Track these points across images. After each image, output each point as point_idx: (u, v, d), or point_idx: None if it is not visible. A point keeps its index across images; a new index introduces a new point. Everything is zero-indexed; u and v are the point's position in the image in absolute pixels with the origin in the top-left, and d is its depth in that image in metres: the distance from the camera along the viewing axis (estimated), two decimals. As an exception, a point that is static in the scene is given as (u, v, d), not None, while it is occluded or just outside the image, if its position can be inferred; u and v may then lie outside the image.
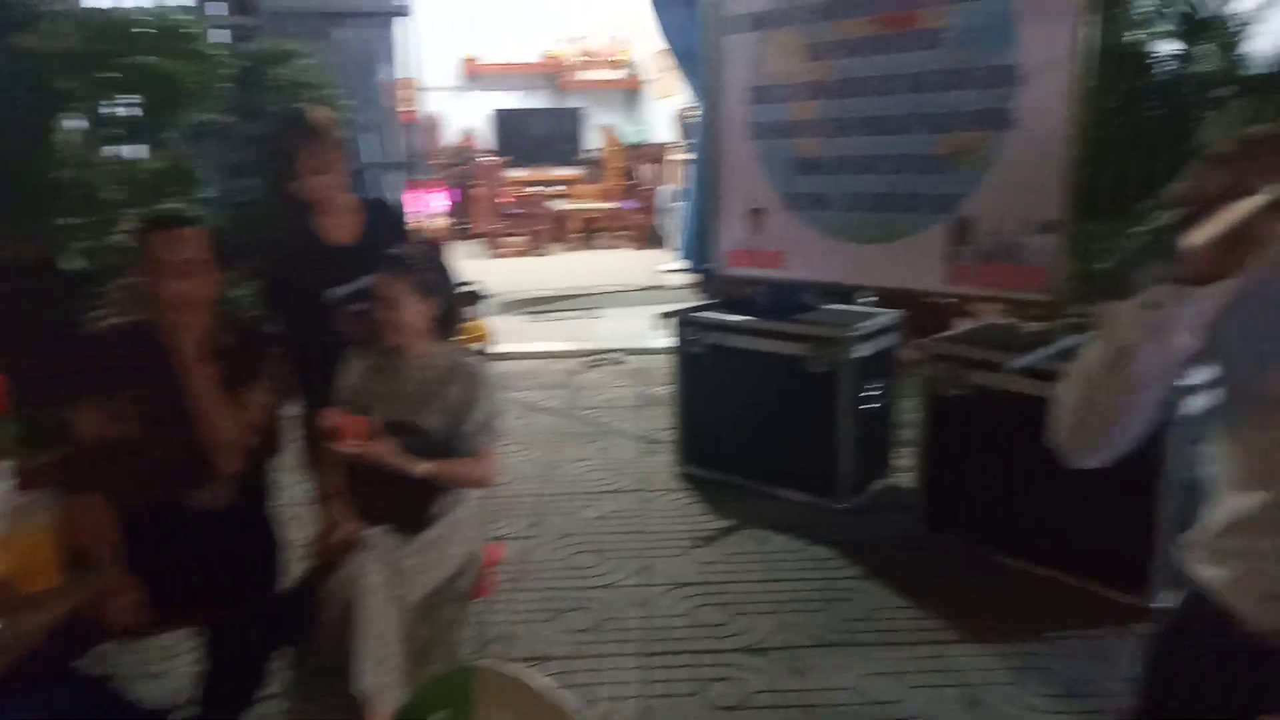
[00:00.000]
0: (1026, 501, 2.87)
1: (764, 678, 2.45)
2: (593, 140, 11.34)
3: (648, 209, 10.09)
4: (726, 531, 3.34)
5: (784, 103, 3.45)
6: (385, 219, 2.52)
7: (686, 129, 8.79)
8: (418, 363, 2.07)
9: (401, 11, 5.27)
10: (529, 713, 1.33)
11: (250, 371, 1.99)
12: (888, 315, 3.63)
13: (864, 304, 3.99)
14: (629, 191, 10.64)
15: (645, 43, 9.54)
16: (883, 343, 3.56)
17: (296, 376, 2.25)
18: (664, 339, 3.86)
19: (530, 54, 11.08)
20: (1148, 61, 3.18)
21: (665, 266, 8.30)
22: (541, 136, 11.16)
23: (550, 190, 10.72)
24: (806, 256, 3.49)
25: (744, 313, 3.66)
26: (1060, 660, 2.47)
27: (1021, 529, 2.94)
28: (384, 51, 5.38)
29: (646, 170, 10.45)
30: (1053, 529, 2.84)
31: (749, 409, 3.61)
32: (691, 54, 6.87)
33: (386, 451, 1.92)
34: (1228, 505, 0.97)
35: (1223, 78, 3.07)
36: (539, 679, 1.37)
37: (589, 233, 10.47)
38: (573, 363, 5.74)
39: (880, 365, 3.54)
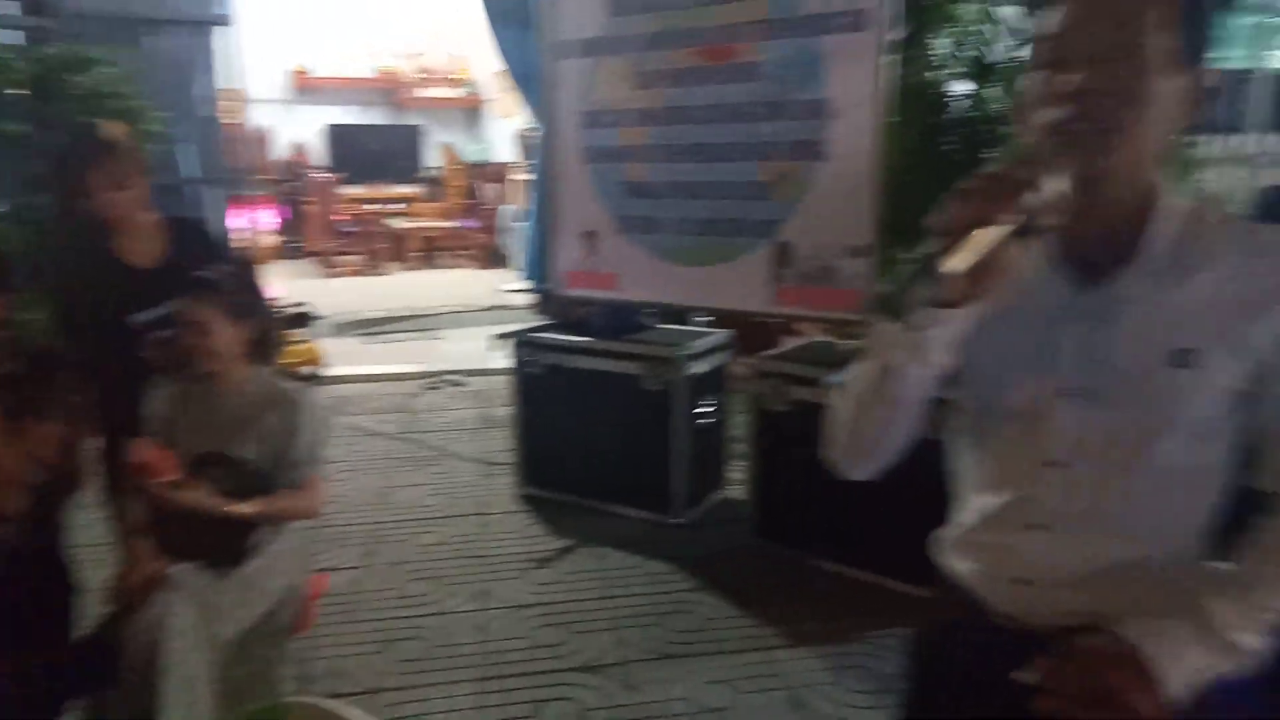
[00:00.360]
0: (844, 509, 3.04)
1: (599, 695, 2.48)
2: (432, 158, 11.17)
3: (490, 228, 10.04)
4: (565, 551, 3.35)
5: (614, 128, 3.53)
6: (193, 238, 2.39)
7: (528, 149, 8.83)
8: (232, 390, 1.98)
9: (221, 20, 5.04)
10: (345, 748, 1.29)
11: (39, 401, 1.84)
12: (719, 334, 3.77)
13: (699, 324, 4.13)
14: (470, 211, 10.55)
15: (485, 62, 9.51)
16: (715, 361, 3.69)
17: (97, 407, 2.10)
18: (505, 360, 3.85)
19: (365, 68, 10.81)
20: (944, 100, 3.47)
21: (508, 286, 8.27)
22: (378, 153, 10.89)
23: (388, 208, 10.48)
24: (640, 278, 3.57)
25: (580, 333, 3.71)
26: (876, 658, 2.63)
27: (841, 535, 3.11)
28: (203, 61, 5.11)
29: (488, 189, 10.40)
30: (868, 535, 3.02)
31: (586, 428, 3.65)
32: (529, 75, 6.90)
33: (200, 498, 1.82)
34: (974, 504, 1.09)
35: (1008, 117, 3.39)
36: (354, 712, 1.33)
37: (429, 252, 10.29)
38: (410, 385, 5.61)
39: (713, 383, 3.67)
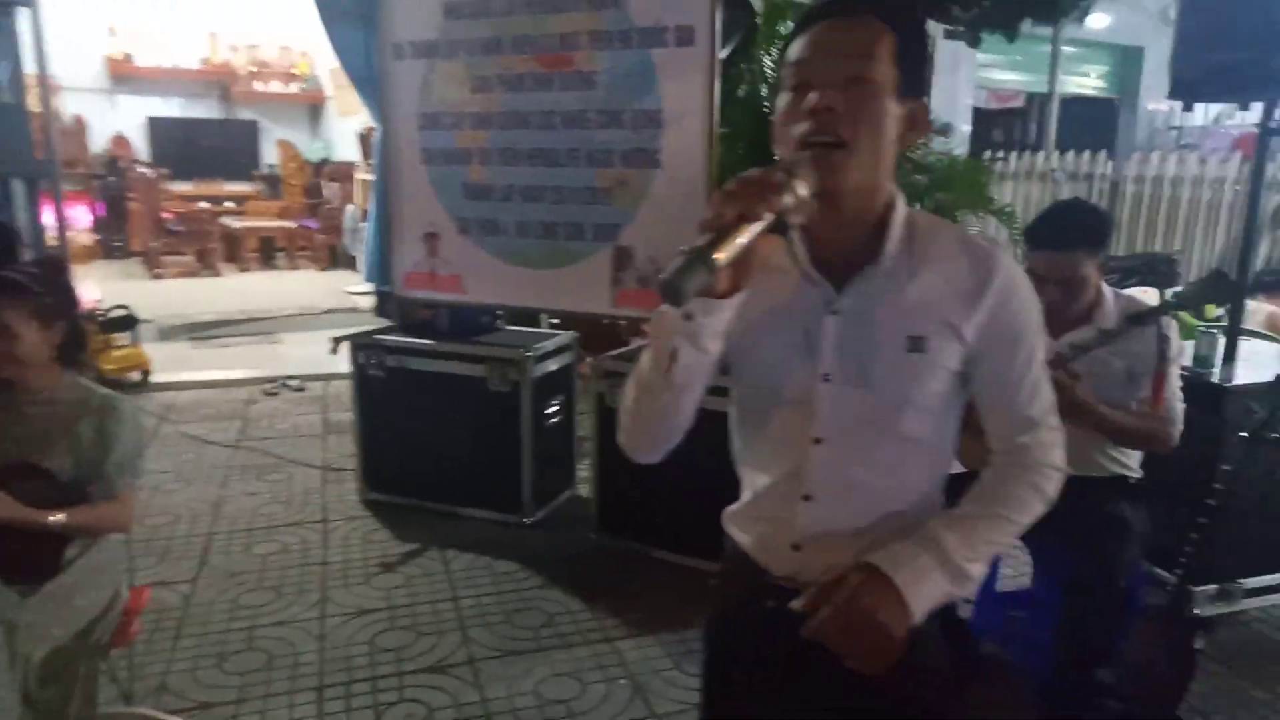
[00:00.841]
0: (681, 501, 3.11)
1: (445, 695, 2.49)
2: (270, 155, 10.70)
3: (333, 229, 9.70)
4: (411, 555, 3.33)
5: (452, 131, 3.53)
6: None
7: (370, 148, 8.61)
8: (40, 398, 1.88)
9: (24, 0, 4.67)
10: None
11: None
12: (565, 336, 3.83)
13: (548, 325, 4.18)
14: (312, 210, 10.17)
15: (325, 57, 9.20)
16: (561, 361, 3.75)
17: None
18: (347, 364, 3.76)
19: (192, 59, 10.24)
20: (770, 113, 3.66)
21: (353, 288, 8.05)
22: (209, 149, 10.34)
23: (222, 207, 9.96)
24: (484, 280, 3.58)
25: (424, 335, 3.69)
26: (713, 640, 2.76)
27: (679, 527, 3.22)
28: (4, 44, 4.72)
29: (331, 189, 10.06)
30: (703, 524, 3.14)
31: (432, 431, 3.63)
32: (368, 75, 6.74)
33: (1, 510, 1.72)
34: (754, 481, 1.23)
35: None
36: (176, 720, 1.31)
37: (267, 252, 9.85)
38: (246, 391, 5.39)
39: (560, 383, 3.74)
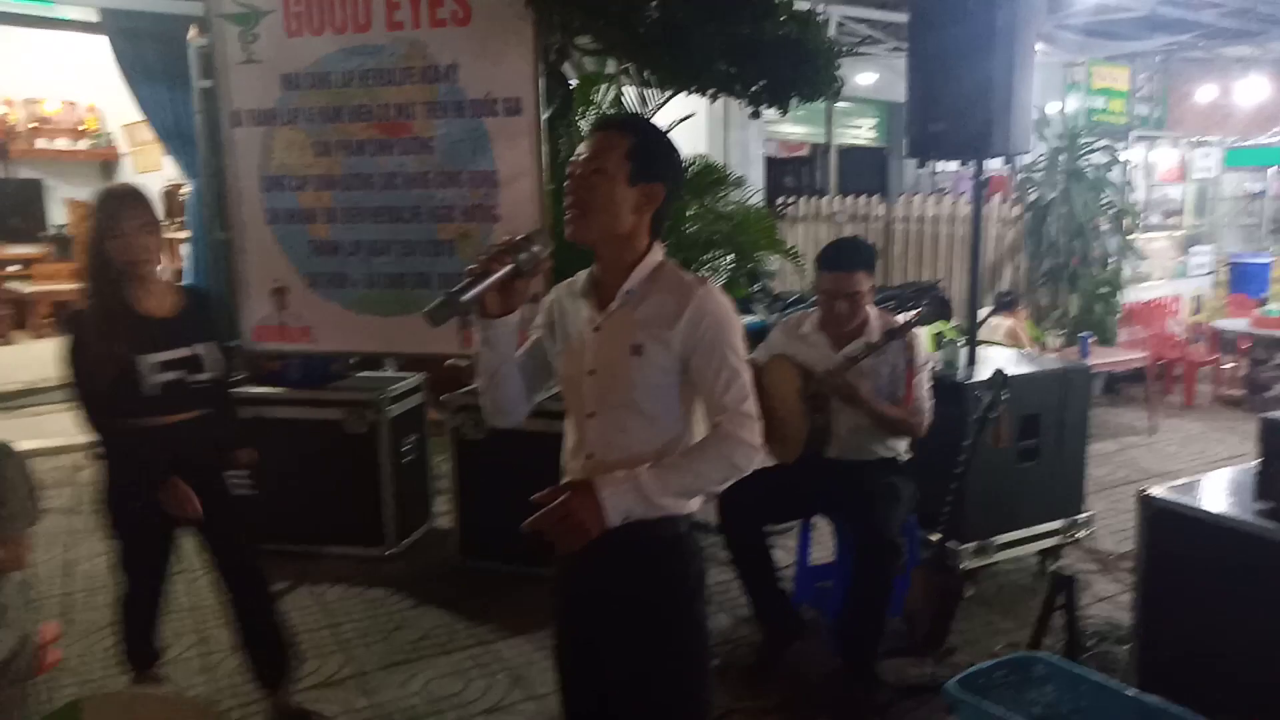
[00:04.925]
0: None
1: (339, 705, 2.73)
2: (58, 215, 10.12)
3: (137, 289, 9.28)
4: (281, 593, 3.48)
5: (296, 191, 3.77)
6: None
7: (177, 206, 8.43)
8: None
9: None
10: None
11: None
12: (415, 378, 4.10)
13: (391, 370, 4.42)
14: (111, 271, 9.66)
15: (118, 112, 8.91)
16: (412, 402, 4.03)
17: None
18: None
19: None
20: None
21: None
22: (-13, 209, 9.66)
23: (4, 271, 9.32)
24: (334, 330, 3.82)
25: (275, 385, 3.86)
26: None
27: (535, 543, 3.54)
28: None
29: (132, 248, 9.62)
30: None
31: (289, 475, 3.77)
32: (180, 133, 6.68)
33: None
34: (567, 444, 1.70)
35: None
36: (148, 689, 1.53)
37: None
38: (71, 459, 5.22)
39: (413, 422, 4.01)
